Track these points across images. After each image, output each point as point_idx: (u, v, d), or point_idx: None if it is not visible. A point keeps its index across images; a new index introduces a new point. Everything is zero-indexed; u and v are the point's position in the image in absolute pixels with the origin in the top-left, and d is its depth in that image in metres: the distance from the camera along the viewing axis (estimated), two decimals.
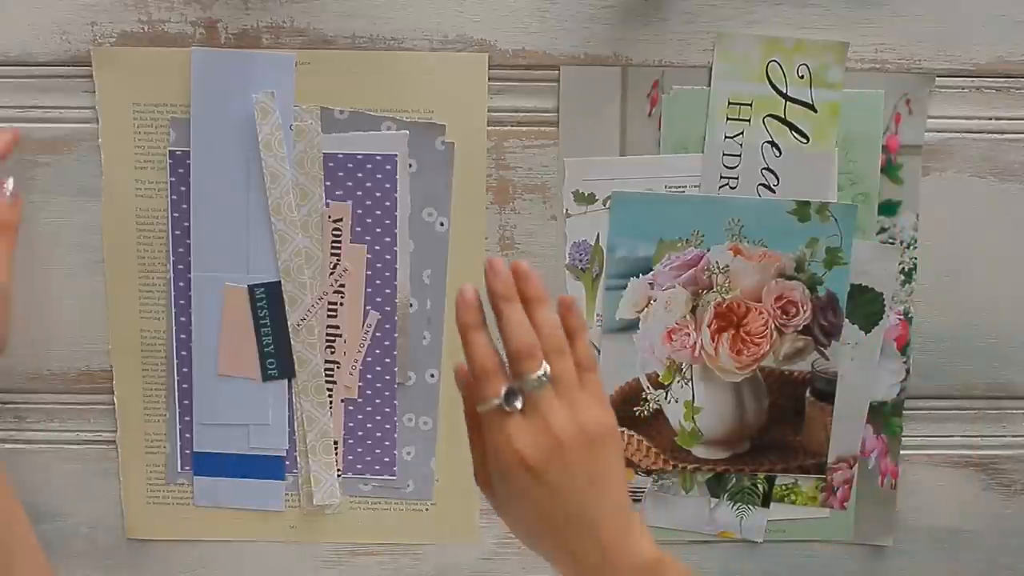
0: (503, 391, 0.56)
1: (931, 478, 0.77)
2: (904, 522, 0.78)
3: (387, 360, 0.74)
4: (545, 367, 0.57)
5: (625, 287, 0.74)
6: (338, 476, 0.76)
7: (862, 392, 0.75)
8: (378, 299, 0.74)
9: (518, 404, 0.56)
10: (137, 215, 0.73)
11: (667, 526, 0.77)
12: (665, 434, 0.75)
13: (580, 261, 0.74)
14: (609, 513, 0.58)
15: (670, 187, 0.73)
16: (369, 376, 0.74)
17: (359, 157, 0.72)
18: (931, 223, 0.74)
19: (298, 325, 0.73)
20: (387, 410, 0.75)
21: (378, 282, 0.73)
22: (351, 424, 0.75)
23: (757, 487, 0.77)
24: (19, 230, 0.72)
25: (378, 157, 0.72)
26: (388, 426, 0.75)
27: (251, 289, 0.73)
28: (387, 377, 0.74)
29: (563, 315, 0.61)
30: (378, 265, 0.73)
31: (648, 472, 0.76)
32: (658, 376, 0.75)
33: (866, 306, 0.74)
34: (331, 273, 0.73)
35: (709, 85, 0.72)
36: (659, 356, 0.74)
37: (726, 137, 0.72)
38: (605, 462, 0.58)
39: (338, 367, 0.74)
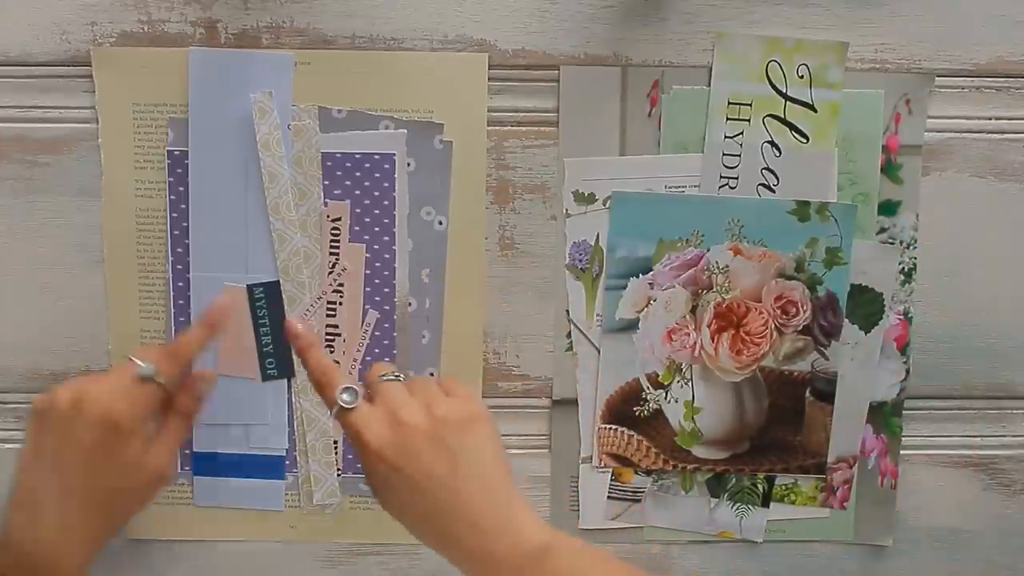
0: (339, 390, 0.58)
1: (931, 478, 0.77)
2: (904, 522, 0.77)
3: (386, 359, 0.74)
4: (394, 374, 0.59)
5: (625, 287, 0.74)
6: (338, 476, 0.76)
7: (862, 392, 0.75)
8: (377, 298, 0.74)
9: (347, 396, 0.57)
10: (137, 215, 0.73)
11: (667, 526, 0.77)
12: (665, 434, 0.75)
13: (580, 261, 0.74)
14: (481, 500, 0.56)
15: (670, 187, 0.73)
16: None
17: (357, 156, 0.72)
18: (931, 223, 0.74)
19: None
20: None
21: (377, 281, 0.73)
22: None
23: (757, 487, 0.77)
24: (19, 232, 0.73)
25: (376, 156, 0.72)
26: None
27: (250, 289, 0.73)
28: None
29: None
30: (377, 264, 0.73)
31: (648, 472, 0.76)
32: (658, 376, 0.75)
33: (866, 306, 0.74)
34: (330, 272, 0.73)
35: (709, 85, 0.72)
36: (659, 356, 0.74)
37: (726, 137, 0.72)
38: (469, 447, 0.56)
39: (337, 366, 0.74)
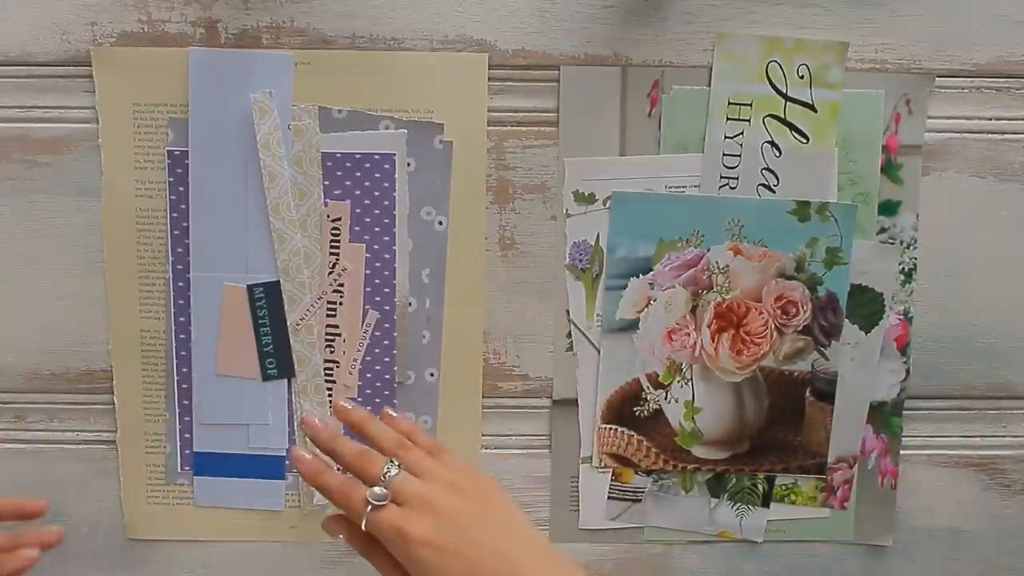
0: (367, 493, 0.57)
1: (931, 478, 0.77)
2: (904, 522, 0.78)
3: (387, 359, 0.74)
4: (391, 461, 0.59)
5: (625, 287, 0.74)
6: None
7: (862, 392, 0.75)
8: (377, 298, 0.74)
9: (380, 491, 0.57)
10: (137, 215, 0.73)
11: (667, 526, 0.77)
12: (665, 434, 0.75)
13: (580, 261, 0.74)
14: (528, 551, 0.57)
15: (670, 187, 0.73)
16: (369, 375, 0.74)
17: (357, 156, 0.72)
18: (931, 223, 0.74)
19: (297, 324, 0.73)
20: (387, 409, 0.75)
21: (377, 281, 0.73)
22: None
23: (757, 487, 0.77)
24: (19, 232, 0.73)
25: (376, 156, 0.72)
26: None
27: (250, 289, 0.73)
28: (387, 376, 0.74)
29: (390, 424, 0.63)
30: (377, 264, 0.73)
31: (648, 472, 0.76)
32: (658, 376, 0.75)
33: (866, 306, 0.74)
34: (330, 272, 0.73)
35: (709, 85, 0.72)
36: (659, 356, 0.74)
37: (726, 137, 0.72)
38: (497, 509, 0.59)
39: (337, 366, 0.74)
